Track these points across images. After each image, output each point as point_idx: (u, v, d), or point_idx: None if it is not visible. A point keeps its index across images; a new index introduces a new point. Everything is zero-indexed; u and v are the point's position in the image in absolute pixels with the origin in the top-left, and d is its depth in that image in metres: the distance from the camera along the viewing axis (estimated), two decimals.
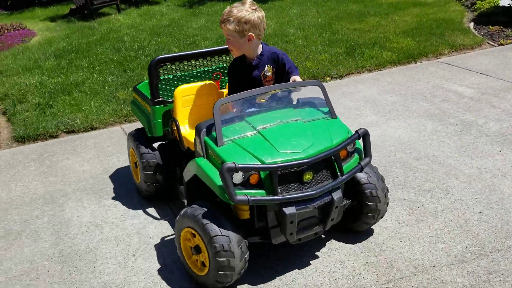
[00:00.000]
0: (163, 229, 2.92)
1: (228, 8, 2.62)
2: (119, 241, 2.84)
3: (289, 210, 2.26)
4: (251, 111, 2.54)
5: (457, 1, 8.86)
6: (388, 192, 2.70)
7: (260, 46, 2.69)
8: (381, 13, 8.22)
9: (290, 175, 2.29)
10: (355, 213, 2.67)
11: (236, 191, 2.19)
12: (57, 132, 4.48)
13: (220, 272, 2.25)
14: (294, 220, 2.29)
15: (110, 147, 4.11)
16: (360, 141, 2.61)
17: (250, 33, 2.57)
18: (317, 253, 2.64)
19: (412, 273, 2.46)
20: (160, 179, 3.07)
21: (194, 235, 2.34)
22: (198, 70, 3.17)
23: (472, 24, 7.52)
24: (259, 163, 2.25)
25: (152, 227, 2.94)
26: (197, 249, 2.35)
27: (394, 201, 3.08)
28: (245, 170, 2.20)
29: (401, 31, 7.07)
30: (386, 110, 4.57)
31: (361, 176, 2.62)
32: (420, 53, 6.19)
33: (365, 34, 7.04)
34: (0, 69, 6.12)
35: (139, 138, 3.15)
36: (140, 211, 3.13)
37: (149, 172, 3.04)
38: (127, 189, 3.40)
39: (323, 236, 2.77)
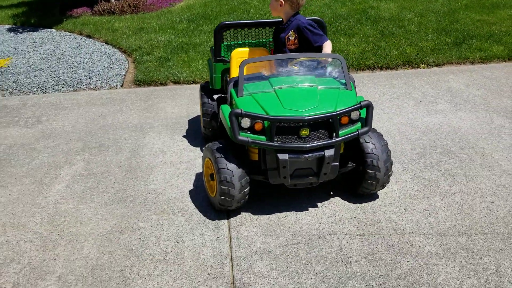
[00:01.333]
0: None
1: None
2: (173, 164, 3.58)
3: (282, 156, 2.70)
4: (277, 73, 3.01)
5: None
6: (391, 165, 2.95)
7: (293, 14, 3.18)
8: None
9: (289, 128, 2.72)
10: (358, 178, 2.98)
11: (240, 132, 2.71)
12: (166, 81, 5.41)
13: (222, 197, 2.79)
14: (286, 166, 2.72)
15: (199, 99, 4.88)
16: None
17: (281, 0, 3.16)
18: (318, 203, 3.04)
19: (388, 233, 2.74)
20: (215, 125, 3.66)
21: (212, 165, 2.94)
22: (257, 41, 3.73)
23: None
24: (265, 114, 2.72)
25: (200, 160, 3.62)
26: (212, 176, 2.95)
27: (414, 178, 3.29)
28: (249, 117, 2.69)
29: None
30: (463, 101, 4.56)
31: (368, 146, 2.92)
32: None
33: (487, 26, 6.71)
34: (144, 26, 7.33)
35: (204, 89, 3.81)
36: (198, 148, 3.82)
37: (206, 119, 3.67)
38: (195, 131, 4.12)
39: (331, 193, 3.15)
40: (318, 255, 2.59)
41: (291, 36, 3.18)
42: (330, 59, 3.09)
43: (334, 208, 2.99)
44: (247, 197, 2.87)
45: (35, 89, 5.35)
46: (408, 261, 2.52)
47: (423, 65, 5.64)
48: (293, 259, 2.57)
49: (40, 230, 2.87)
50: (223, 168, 2.76)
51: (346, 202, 3.05)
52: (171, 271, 2.51)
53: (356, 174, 3.00)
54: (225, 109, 2.92)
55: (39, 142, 4.05)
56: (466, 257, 2.54)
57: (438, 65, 5.63)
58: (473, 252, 2.58)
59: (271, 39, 3.74)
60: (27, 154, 3.84)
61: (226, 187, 2.75)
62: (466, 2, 7.98)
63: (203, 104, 3.72)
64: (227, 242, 2.71)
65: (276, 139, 2.71)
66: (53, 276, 2.50)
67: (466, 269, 2.46)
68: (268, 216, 2.93)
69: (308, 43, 3.15)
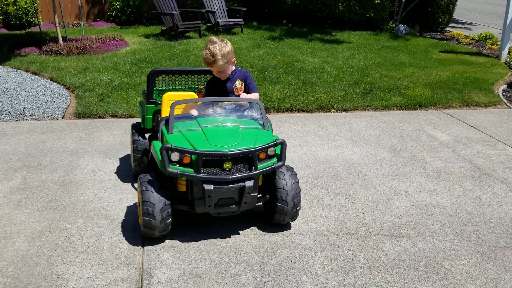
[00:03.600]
0: (133, 182, 4.13)
1: (206, 52, 3.44)
2: (102, 181, 4.10)
3: (207, 186, 3.04)
4: (204, 114, 3.40)
5: (508, 64, 9.23)
6: (299, 201, 3.34)
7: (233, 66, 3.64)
8: (421, 66, 8.89)
9: (214, 162, 3.07)
10: (271, 210, 3.37)
11: (170, 165, 3.03)
12: (105, 115, 5.97)
13: (144, 226, 3.09)
14: (211, 195, 3.05)
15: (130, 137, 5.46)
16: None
17: (233, 59, 3.56)
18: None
19: (275, 233, 3.38)
20: (146, 160, 3.89)
21: None
22: (187, 87, 4.22)
23: (504, 86, 7.93)
24: (192, 149, 3.06)
25: (127, 179, 4.16)
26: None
27: (305, 195, 3.98)
28: (178, 151, 3.02)
29: (426, 83, 7.73)
30: (359, 139, 5.41)
31: (281, 182, 3.30)
32: (429, 102, 6.85)
33: (392, 80, 7.81)
34: (89, 67, 7.91)
35: (135, 128, 4.16)
36: (127, 170, 4.37)
37: (137, 155, 3.99)
38: (126, 155, 4.68)
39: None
40: (215, 249, 3.18)
41: (238, 84, 3.60)
42: (250, 104, 3.50)
43: (239, 223, 3.56)
44: (169, 227, 3.15)
45: None
46: (286, 253, 3.17)
47: (333, 110, 6.53)
48: (194, 252, 3.14)
49: None
50: (146, 201, 3.04)
51: (250, 219, 3.62)
52: (90, 259, 3.02)
53: (270, 206, 3.42)
54: (156, 144, 3.26)
55: None
56: (331, 250, 3.22)
57: (346, 110, 6.55)
58: (338, 247, 3.26)
59: (198, 86, 4.20)
60: None
61: (147, 218, 3.04)
62: (380, 60, 9.17)
63: (134, 141, 4.03)
64: (141, 239, 3.25)
65: (202, 171, 3.04)
66: None
67: (330, 258, 3.13)
68: (180, 222, 3.50)
69: (246, 89, 3.64)
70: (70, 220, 3.47)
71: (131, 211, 3.63)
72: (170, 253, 3.11)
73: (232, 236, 3.32)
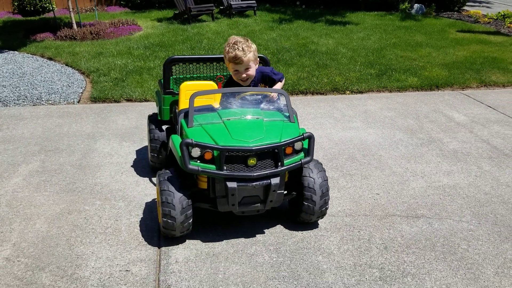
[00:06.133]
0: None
1: (233, 48, 3.19)
2: (118, 164, 4.14)
3: (231, 184, 2.84)
4: (226, 105, 3.18)
5: None
6: (328, 199, 3.12)
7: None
8: (438, 46, 8.74)
9: (237, 158, 2.86)
10: (298, 208, 3.16)
11: (191, 162, 2.84)
12: (120, 99, 6.00)
13: (165, 228, 2.92)
14: (235, 193, 2.86)
15: (149, 113, 5.49)
16: None
17: (257, 59, 3.33)
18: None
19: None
20: (164, 153, 3.77)
21: None
22: (205, 75, 3.98)
23: None
24: (214, 144, 2.85)
25: (143, 162, 4.20)
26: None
27: None
28: (199, 147, 2.81)
29: (442, 63, 7.61)
30: (374, 121, 5.36)
31: (308, 180, 3.09)
32: (446, 83, 6.75)
33: (408, 61, 7.70)
34: (103, 51, 7.94)
35: (153, 119, 3.99)
36: (143, 152, 4.40)
37: (154, 145, 3.82)
38: (141, 138, 4.71)
39: None
40: (231, 230, 3.20)
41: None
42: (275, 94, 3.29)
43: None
44: (190, 221, 2.96)
45: None
46: (302, 233, 3.18)
47: (348, 92, 6.48)
48: (211, 232, 3.17)
49: None
50: (164, 190, 2.89)
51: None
52: (109, 240, 3.07)
53: (297, 204, 3.21)
54: (176, 139, 3.06)
55: None
56: (347, 231, 3.22)
57: (361, 92, 6.49)
58: (353, 228, 3.26)
59: (218, 74, 3.98)
60: None
61: (168, 220, 2.88)
62: (395, 41, 9.04)
63: (150, 131, 3.86)
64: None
65: (225, 168, 2.85)
66: (9, 243, 3.01)
67: (345, 239, 3.13)
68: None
69: (272, 81, 3.43)
70: (88, 202, 3.52)
71: (148, 193, 3.66)
72: (187, 234, 3.15)
73: (248, 217, 3.34)
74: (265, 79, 3.44)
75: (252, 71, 3.30)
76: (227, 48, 3.26)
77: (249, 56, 3.22)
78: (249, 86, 3.35)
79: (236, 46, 3.22)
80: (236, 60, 3.22)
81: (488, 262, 2.94)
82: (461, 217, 3.43)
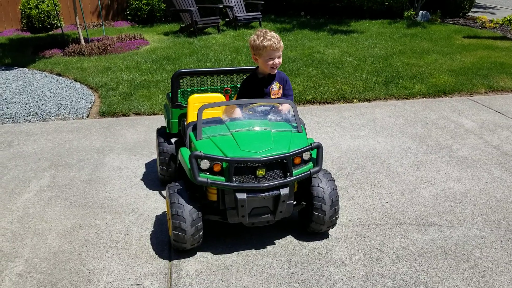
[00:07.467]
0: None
1: (267, 37, 3.27)
2: (128, 178, 4.17)
3: (240, 196, 2.86)
4: (235, 118, 3.22)
5: None
6: (338, 209, 3.11)
7: None
8: (444, 52, 8.73)
9: (246, 169, 2.88)
10: (308, 218, 3.16)
11: (200, 174, 2.87)
12: (128, 113, 6.05)
13: (175, 240, 2.94)
14: (244, 205, 2.87)
15: (157, 126, 5.52)
16: None
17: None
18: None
19: None
20: (173, 166, 3.78)
21: None
22: (213, 87, 4.03)
23: None
24: (222, 155, 2.89)
25: (152, 175, 4.22)
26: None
27: None
28: (208, 159, 2.84)
29: (449, 69, 7.59)
30: (382, 129, 5.35)
31: (318, 190, 3.09)
32: (453, 89, 6.73)
33: (414, 68, 7.70)
34: (111, 66, 8.02)
35: (161, 132, 4.03)
36: (151, 165, 4.43)
37: (163, 158, 3.83)
38: (150, 151, 4.74)
39: None
40: (241, 242, 3.20)
41: (275, 86, 3.41)
42: (282, 105, 3.31)
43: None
44: (201, 233, 2.97)
45: (7, 119, 5.89)
46: (312, 244, 3.17)
47: (355, 100, 6.48)
48: (221, 245, 3.17)
49: (10, 227, 3.40)
50: (174, 203, 2.91)
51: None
52: (120, 254, 3.08)
53: (306, 214, 3.21)
54: (185, 151, 3.08)
55: (10, 162, 4.58)
56: (358, 240, 3.21)
57: (368, 100, 6.48)
58: (364, 237, 3.25)
59: (225, 86, 4.04)
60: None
61: (179, 233, 2.89)
62: (401, 49, 9.04)
63: (159, 144, 3.88)
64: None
65: (234, 179, 2.86)
66: (21, 259, 3.03)
67: (356, 248, 3.12)
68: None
69: (282, 94, 3.46)
70: (99, 216, 3.54)
71: (158, 206, 3.68)
72: (198, 247, 3.15)
73: (258, 228, 3.33)
74: (284, 84, 3.49)
75: (281, 60, 3.42)
76: (261, 38, 3.31)
77: (281, 44, 3.35)
78: (268, 80, 3.43)
79: (270, 35, 3.33)
80: (273, 46, 3.28)
81: (501, 269, 2.91)
82: (473, 224, 3.40)
